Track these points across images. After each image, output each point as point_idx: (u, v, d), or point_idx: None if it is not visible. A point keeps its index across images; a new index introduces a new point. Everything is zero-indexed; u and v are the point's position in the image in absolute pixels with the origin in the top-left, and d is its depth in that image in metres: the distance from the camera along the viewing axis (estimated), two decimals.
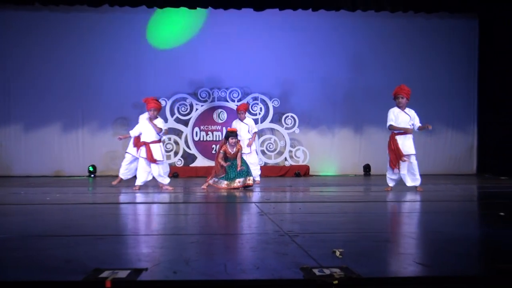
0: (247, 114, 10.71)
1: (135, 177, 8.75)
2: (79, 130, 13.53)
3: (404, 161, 7.70)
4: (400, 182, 7.94)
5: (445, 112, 14.26)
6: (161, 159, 8.42)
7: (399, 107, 7.85)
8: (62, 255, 2.87)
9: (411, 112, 7.89)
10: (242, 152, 9.48)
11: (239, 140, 8.56)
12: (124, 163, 9.18)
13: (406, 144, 7.75)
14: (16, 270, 2.53)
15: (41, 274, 2.44)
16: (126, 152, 9.28)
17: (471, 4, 13.16)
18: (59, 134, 13.47)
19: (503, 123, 13.21)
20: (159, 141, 8.50)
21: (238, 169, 8.24)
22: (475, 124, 14.46)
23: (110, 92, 13.36)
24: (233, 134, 8.32)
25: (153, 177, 8.51)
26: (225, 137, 8.48)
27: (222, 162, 8.28)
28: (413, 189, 7.82)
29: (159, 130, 8.40)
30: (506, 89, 13.25)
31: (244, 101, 13.52)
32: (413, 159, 7.78)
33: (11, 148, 13.36)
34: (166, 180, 8.52)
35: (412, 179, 7.80)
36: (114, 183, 9.22)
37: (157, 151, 8.40)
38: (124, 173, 9.18)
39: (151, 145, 8.34)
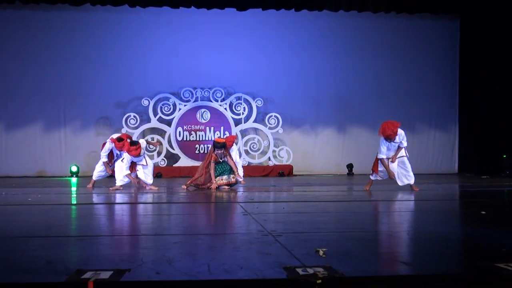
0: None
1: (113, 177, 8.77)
2: (61, 130, 13.40)
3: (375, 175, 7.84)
4: (388, 181, 7.96)
5: (427, 112, 14.40)
6: (145, 164, 8.46)
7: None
8: (44, 256, 2.84)
9: (400, 136, 7.65)
10: None
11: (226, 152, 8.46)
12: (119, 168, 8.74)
13: (396, 152, 7.74)
14: None
15: (22, 276, 2.42)
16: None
17: (453, 6, 13.30)
18: (41, 134, 13.34)
19: (484, 123, 13.38)
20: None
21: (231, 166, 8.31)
22: (457, 124, 14.61)
23: (92, 91, 13.26)
24: (219, 145, 8.28)
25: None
26: (213, 146, 8.42)
27: (212, 171, 8.24)
28: (398, 188, 7.84)
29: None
30: (486, 89, 13.42)
31: (227, 101, 13.53)
32: (405, 160, 7.78)
33: None
34: (149, 180, 8.48)
35: (406, 177, 7.78)
36: (112, 189, 8.49)
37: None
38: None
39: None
